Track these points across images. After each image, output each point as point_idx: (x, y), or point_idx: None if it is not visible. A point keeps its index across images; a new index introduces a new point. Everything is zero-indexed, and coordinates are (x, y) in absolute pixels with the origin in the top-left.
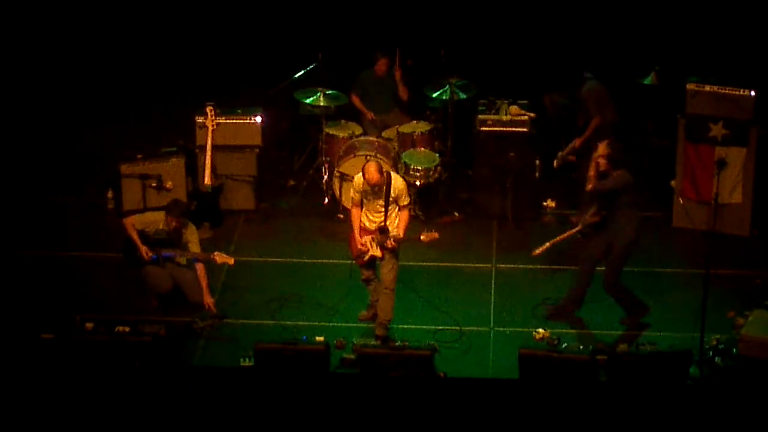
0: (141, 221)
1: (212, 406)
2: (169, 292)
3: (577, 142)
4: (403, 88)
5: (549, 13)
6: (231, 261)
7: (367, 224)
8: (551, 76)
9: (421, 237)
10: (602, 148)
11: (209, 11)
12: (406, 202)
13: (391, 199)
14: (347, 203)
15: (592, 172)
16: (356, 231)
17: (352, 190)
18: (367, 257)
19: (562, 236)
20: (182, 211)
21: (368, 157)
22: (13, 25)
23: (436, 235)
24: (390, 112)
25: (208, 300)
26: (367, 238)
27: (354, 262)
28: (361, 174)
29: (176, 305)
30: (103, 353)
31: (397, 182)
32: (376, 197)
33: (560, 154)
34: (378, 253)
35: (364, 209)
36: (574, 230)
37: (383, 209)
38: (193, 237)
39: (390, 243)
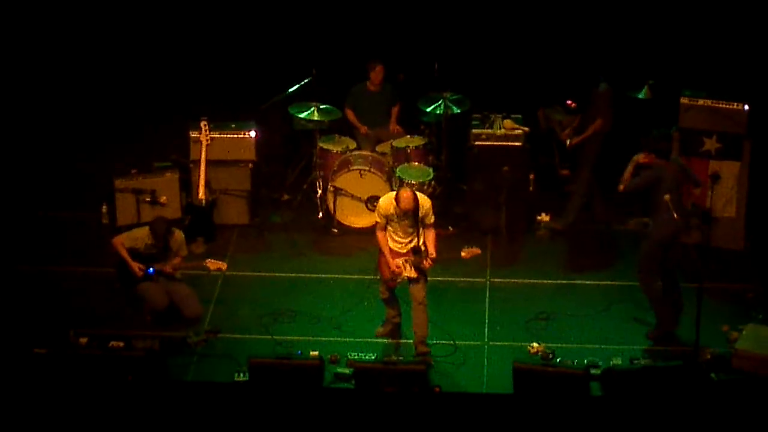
0: (129, 238)
1: (206, 421)
2: (165, 308)
3: (575, 140)
4: (395, 126)
5: (543, 27)
6: (224, 266)
7: (395, 247)
8: (545, 90)
9: (462, 254)
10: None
11: (203, 26)
12: (432, 221)
13: (419, 218)
14: (341, 218)
15: (627, 175)
16: (387, 255)
17: (377, 214)
18: (400, 279)
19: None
20: (167, 228)
21: (362, 172)
22: (8, 40)
23: (478, 250)
24: (383, 126)
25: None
26: (399, 260)
27: (375, 278)
28: (387, 198)
29: (171, 320)
30: (96, 368)
31: (424, 202)
32: (403, 219)
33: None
34: (414, 274)
35: (389, 231)
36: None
37: (413, 230)
38: (181, 244)
39: (427, 263)
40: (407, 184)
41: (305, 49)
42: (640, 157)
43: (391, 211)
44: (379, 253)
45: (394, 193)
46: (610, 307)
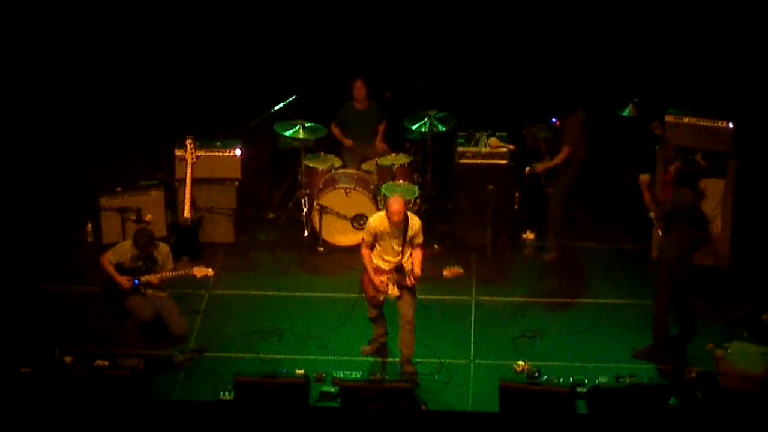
0: (115, 253)
1: None
2: (152, 318)
3: (538, 167)
4: (381, 144)
5: (528, 45)
6: (210, 272)
7: (382, 265)
8: (530, 108)
9: (444, 273)
10: (676, 164)
11: (188, 44)
12: (420, 241)
13: (407, 238)
14: (327, 236)
15: (648, 200)
16: (371, 271)
17: (366, 231)
18: (383, 297)
19: None
20: (149, 239)
21: (348, 190)
22: None
23: (460, 270)
24: (370, 144)
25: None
26: (383, 278)
27: (360, 297)
28: (378, 216)
29: (156, 338)
30: (81, 387)
31: (414, 221)
32: (393, 237)
33: (534, 165)
34: (396, 292)
35: (377, 250)
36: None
37: (400, 248)
38: (167, 256)
39: (410, 281)
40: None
41: (290, 68)
42: (644, 178)
43: (381, 228)
44: (363, 272)
45: (385, 211)
46: (596, 325)
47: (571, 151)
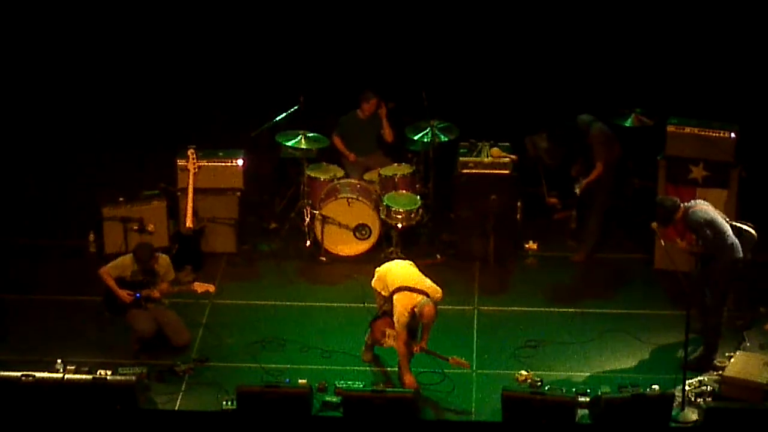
0: (115, 268)
1: None
2: (153, 335)
3: (580, 188)
4: (388, 130)
5: (530, 55)
6: (212, 288)
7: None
8: (532, 118)
9: (450, 360)
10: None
11: (191, 54)
12: (432, 324)
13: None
14: (329, 246)
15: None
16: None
17: (398, 324)
18: (385, 346)
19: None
20: (151, 253)
21: (350, 200)
22: None
23: (467, 365)
24: (372, 155)
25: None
26: (390, 332)
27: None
28: (407, 309)
29: (158, 348)
30: (84, 397)
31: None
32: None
33: (582, 181)
34: (393, 345)
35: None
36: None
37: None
38: (168, 268)
39: (417, 349)
40: (394, 212)
41: (293, 77)
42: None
43: (410, 319)
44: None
45: (408, 309)
46: (598, 335)
47: (602, 166)
